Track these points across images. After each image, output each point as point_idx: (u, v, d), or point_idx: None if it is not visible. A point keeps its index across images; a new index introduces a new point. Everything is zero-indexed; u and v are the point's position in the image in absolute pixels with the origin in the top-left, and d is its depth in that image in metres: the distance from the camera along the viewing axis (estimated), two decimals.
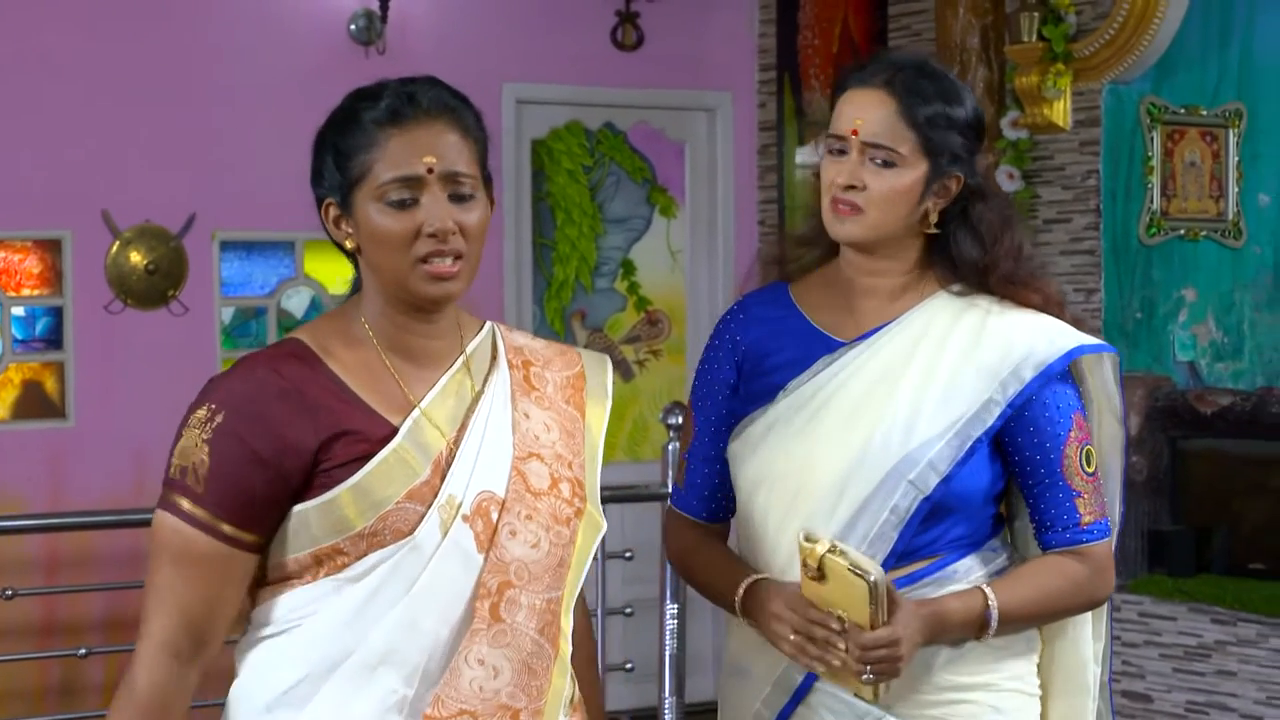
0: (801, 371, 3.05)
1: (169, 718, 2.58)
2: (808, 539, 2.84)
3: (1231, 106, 7.09)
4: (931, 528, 2.97)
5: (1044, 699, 3.11)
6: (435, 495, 2.59)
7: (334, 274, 7.42)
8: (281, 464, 2.56)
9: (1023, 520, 3.12)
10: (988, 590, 2.95)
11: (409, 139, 2.61)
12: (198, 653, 2.60)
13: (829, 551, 2.81)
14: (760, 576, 3.01)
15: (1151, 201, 6.87)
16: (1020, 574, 3.01)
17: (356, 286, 2.77)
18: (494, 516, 2.63)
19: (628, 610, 6.27)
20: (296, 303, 7.40)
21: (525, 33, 7.74)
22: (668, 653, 5.90)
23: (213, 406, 2.58)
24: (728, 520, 3.20)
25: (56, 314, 7.02)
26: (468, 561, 2.60)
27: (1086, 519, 3.01)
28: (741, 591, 3.02)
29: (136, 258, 7.06)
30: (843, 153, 2.98)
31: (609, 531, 5.69)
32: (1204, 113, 7.02)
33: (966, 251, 3.02)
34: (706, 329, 8.06)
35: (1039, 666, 3.10)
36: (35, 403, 6.99)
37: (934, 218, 3.01)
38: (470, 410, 2.69)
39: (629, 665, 6.21)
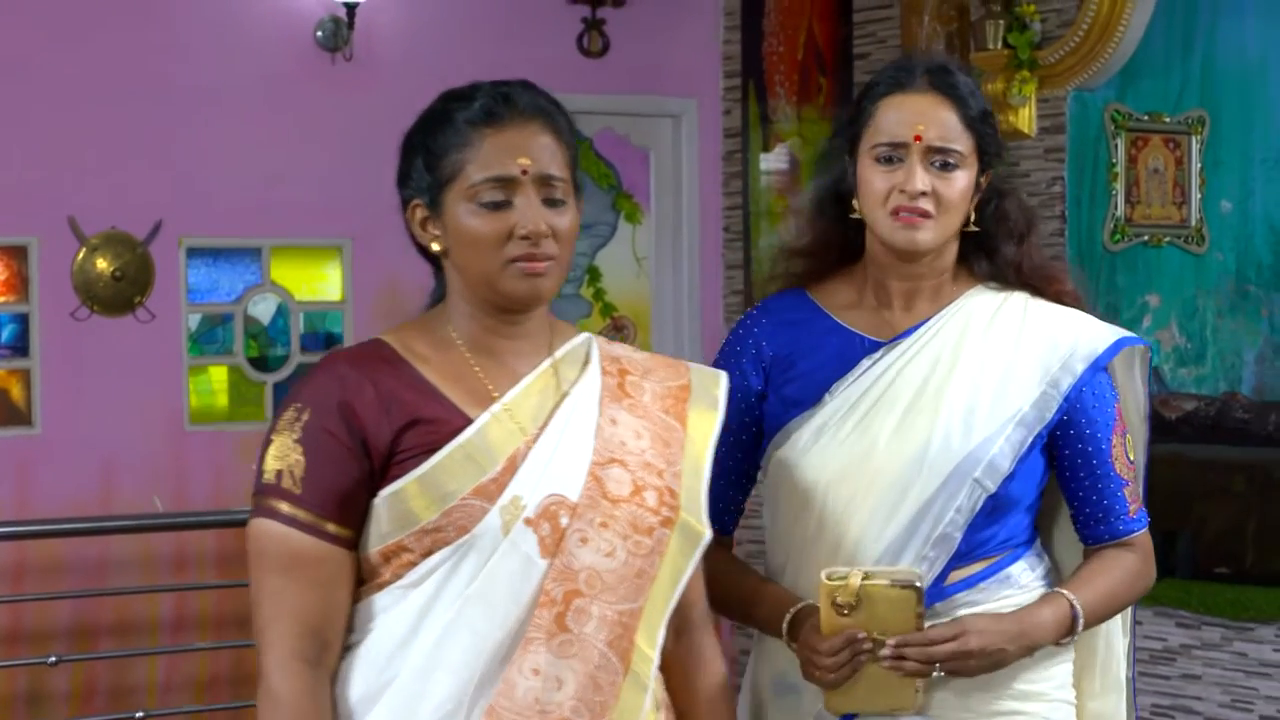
0: (842, 373, 3.02)
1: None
2: (832, 578, 2.81)
3: (1194, 113, 7.15)
4: (986, 528, 2.96)
5: (1078, 700, 3.11)
6: (501, 493, 2.54)
7: (301, 280, 7.43)
8: (365, 454, 2.54)
9: (1050, 520, 3.12)
10: (1070, 595, 2.95)
11: (503, 139, 2.60)
12: (324, 656, 2.55)
13: (864, 577, 2.80)
14: (806, 604, 2.94)
15: (1116, 208, 6.92)
16: (1088, 573, 3.01)
17: (438, 295, 2.74)
18: (563, 521, 2.57)
19: None
20: (263, 309, 7.39)
21: (491, 39, 7.74)
22: None
23: (299, 406, 2.57)
24: (733, 534, 3.17)
25: (23, 321, 6.99)
26: (529, 566, 2.54)
27: (1134, 507, 3.03)
28: (790, 617, 2.96)
29: (103, 264, 7.04)
30: (892, 160, 2.95)
31: None
32: (1167, 120, 7.08)
33: (1004, 246, 3.05)
34: (672, 335, 8.10)
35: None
36: (1, 410, 6.96)
37: (973, 215, 3.02)
38: (553, 411, 2.63)
39: None
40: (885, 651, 2.81)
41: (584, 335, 2.77)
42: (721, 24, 8.27)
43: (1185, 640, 6.31)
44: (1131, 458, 3.04)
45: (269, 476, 2.55)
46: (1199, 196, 7.15)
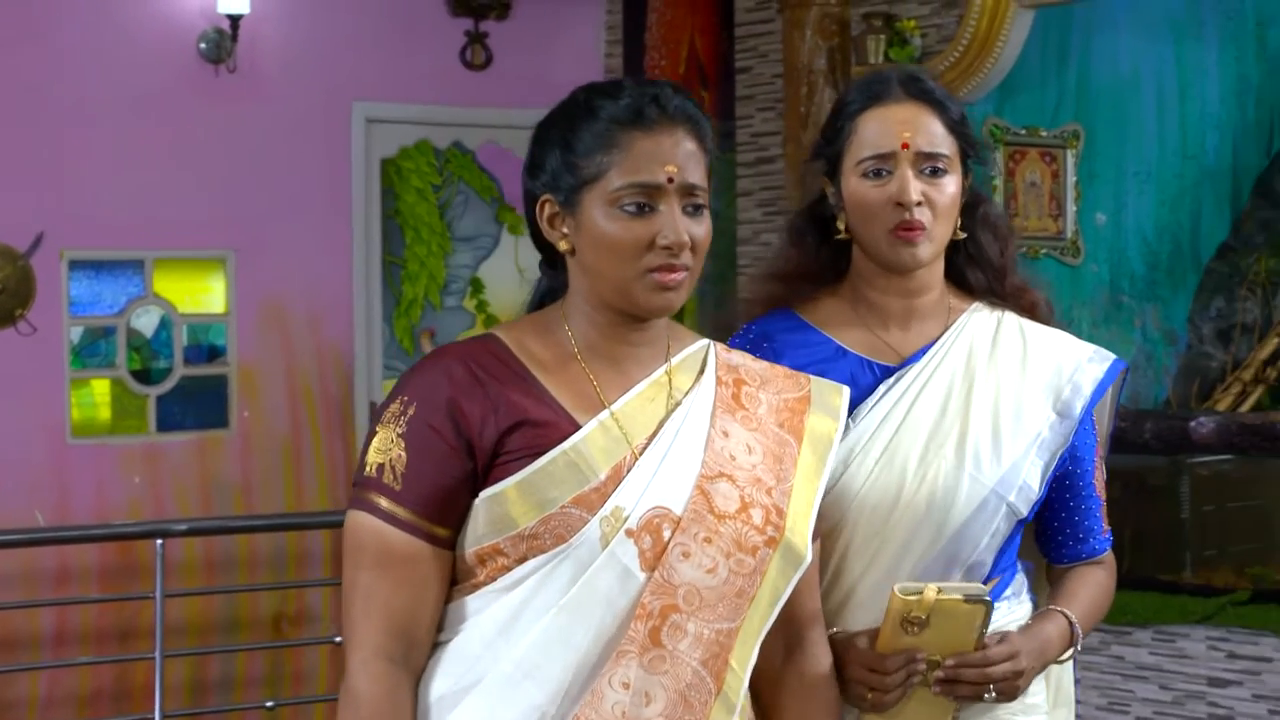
0: (857, 399, 2.86)
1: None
2: (906, 592, 2.69)
3: (1070, 128, 7.27)
4: (1006, 548, 2.91)
5: None
6: (604, 503, 2.45)
7: (184, 293, 7.40)
8: (469, 454, 2.46)
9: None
10: (1067, 612, 2.88)
11: (652, 143, 2.49)
12: (411, 655, 2.49)
13: (938, 592, 2.69)
14: (834, 631, 2.80)
15: None
16: (1073, 590, 2.95)
17: (544, 289, 2.66)
18: (666, 535, 2.47)
19: None
20: (146, 322, 7.35)
21: (375, 52, 7.75)
22: None
23: (405, 399, 2.50)
24: None
25: None
26: (627, 578, 2.44)
27: (1105, 527, 3.01)
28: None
29: None
30: (881, 174, 2.86)
31: None
32: (1044, 134, 7.19)
33: (989, 253, 2.98)
34: None
35: None
36: None
37: (959, 222, 2.93)
38: (663, 421, 2.54)
39: None
40: (939, 674, 2.72)
41: (702, 341, 2.68)
42: (604, 38, 8.32)
43: None
44: (1104, 478, 3.03)
45: (370, 470, 2.48)
46: (1074, 209, 7.28)
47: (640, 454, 2.50)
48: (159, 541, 6.38)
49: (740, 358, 2.71)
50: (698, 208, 2.53)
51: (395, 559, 2.46)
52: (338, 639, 6.68)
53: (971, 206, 2.95)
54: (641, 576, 2.45)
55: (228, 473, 7.48)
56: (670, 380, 2.60)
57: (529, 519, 2.44)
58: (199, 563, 7.35)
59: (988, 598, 2.70)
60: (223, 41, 7.33)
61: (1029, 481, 2.87)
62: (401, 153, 7.93)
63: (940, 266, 2.94)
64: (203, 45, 7.34)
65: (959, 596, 2.69)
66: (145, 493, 7.31)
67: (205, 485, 7.43)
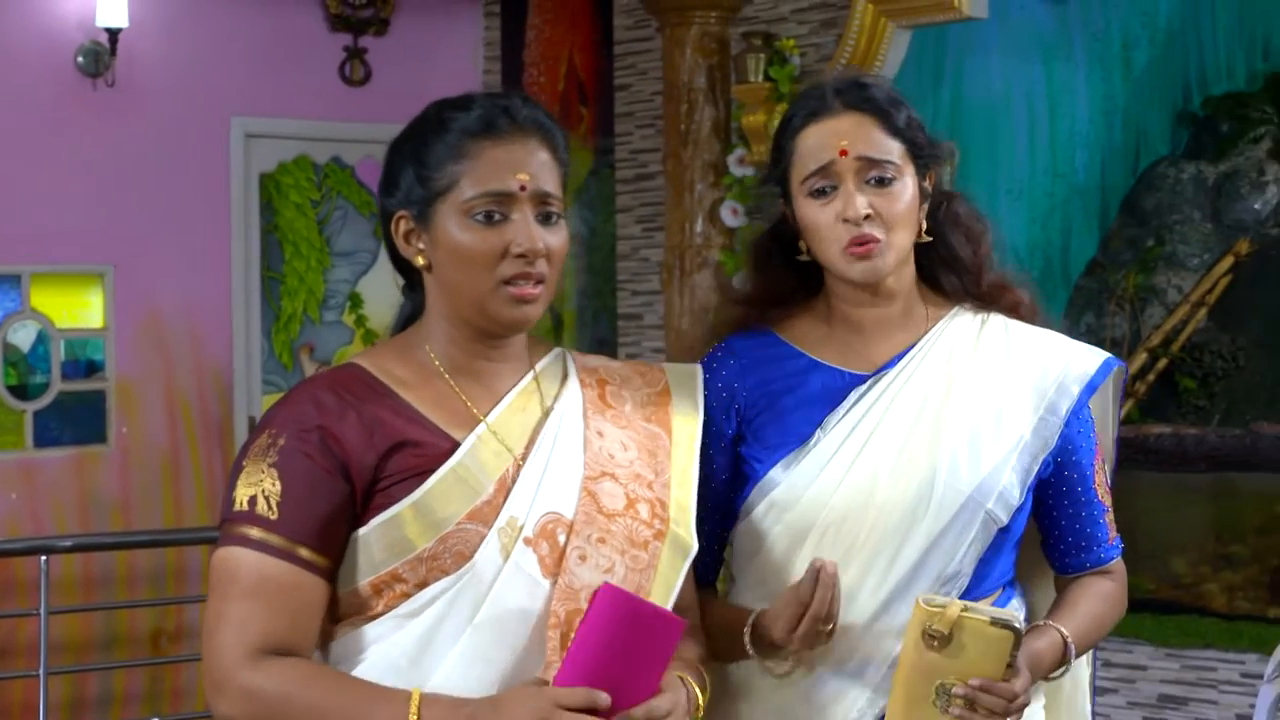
0: (830, 410, 2.80)
1: (310, 677, 2.36)
2: (930, 604, 2.57)
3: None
4: (994, 560, 2.80)
5: None
6: (497, 516, 2.43)
7: (61, 307, 7.35)
8: (346, 480, 2.40)
9: (1026, 551, 2.92)
10: (1060, 627, 2.78)
11: (503, 152, 2.47)
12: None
13: (963, 610, 2.56)
14: (762, 609, 2.73)
15: None
16: (1072, 604, 2.85)
17: (408, 313, 2.62)
18: (561, 540, 2.46)
19: None
20: (23, 337, 7.30)
21: (254, 67, 7.75)
22: None
23: (273, 432, 2.43)
24: (714, 583, 2.94)
25: None
26: (534, 587, 2.42)
27: (1112, 534, 2.90)
28: (753, 618, 2.74)
29: None
30: (826, 191, 2.76)
31: None
32: None
33: (961, 252, 2.87)
34: None
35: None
36: None
37: (924, 225, 2.83)
38: (539, 428, 2.53)
39: None
40: (959, 690, 2.56)
41: (557, 350, 2.66)
42: (482, 54, 8.36)
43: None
44: (1109, 483, 2.91)
45: (241, 504, 2.39)
46: None
47: (523, 463, 2.49)
48: (43, 558, 6.34)
49: (597, 360, 2.72)
50: (552, 216, 2.51)
51: (272, 587, 2.37)
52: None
53: (937, 207, 2.87)
54: (546, 584, 2.43)
55: (106, 489, 7.44)
56: (539, 388, 2.59)
57: (426, 540, 2.40)
58: (78, 579, 7.30)
59: (1019, 625, 2.57)
60: (101, 55, 7.29)
61: (1009, 487, 2.76)
62: (280, 168, 7.93)
63: (909, 272, 2.84)
64: (80, 59, 7.30)
65: (985, 618, 2.56)
66: (22, 509, 7.25)
67: (84, 501, 7.38)
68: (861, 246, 2.75)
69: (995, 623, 2.56)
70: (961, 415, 2.78)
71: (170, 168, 7.48)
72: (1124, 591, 2.93)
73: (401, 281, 2.66)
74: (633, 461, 2.59)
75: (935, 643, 2.56)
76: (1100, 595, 2.88)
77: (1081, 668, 2.98)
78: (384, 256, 8.14)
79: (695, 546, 2.59)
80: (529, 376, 2.59)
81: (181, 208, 7.51)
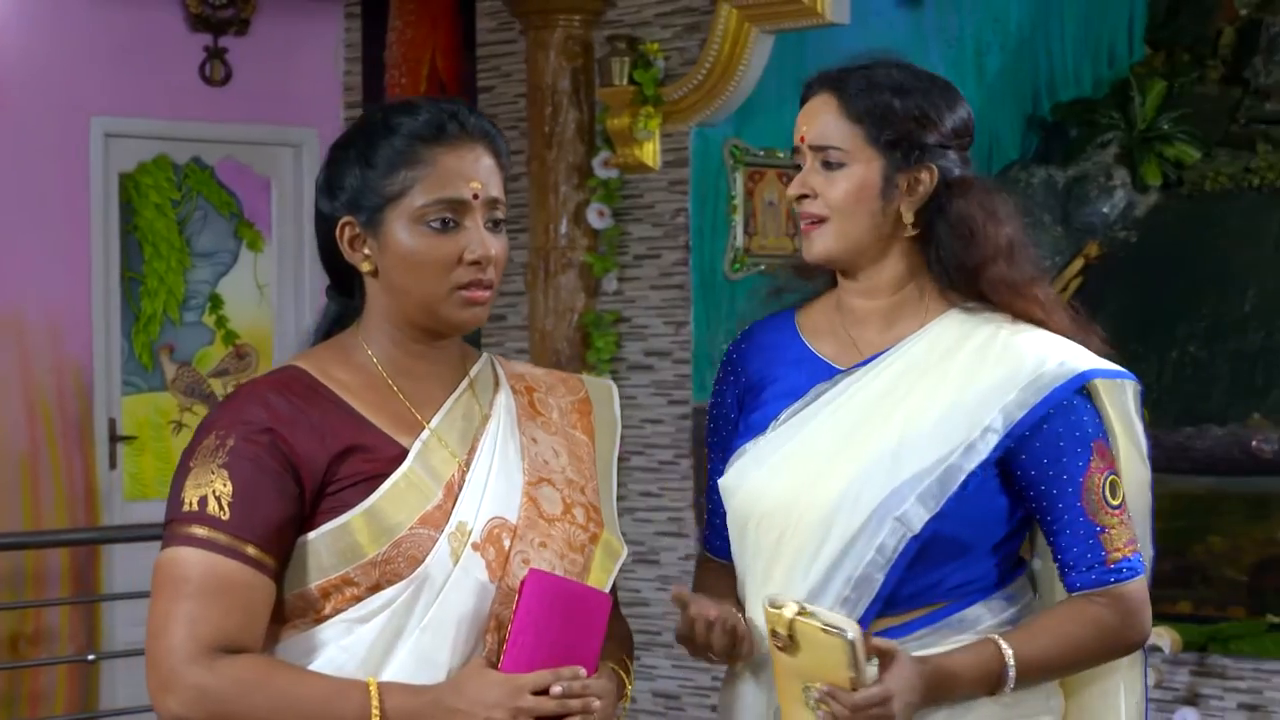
0: (796, 401, 2.80)
1: (267, 673, 2.37)
2: (773, 605, 2.55)
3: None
4: (928, 571, 2.71)
5: None
6: (447, 520, 2.45)
7: None
8: (296, 483, 2.41)
9: (1046, 562, 2.84)
10: (1002, 642, 2.67)
11: (456, 159, 2.47)
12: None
13: (798, 614, 2.52)
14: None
15: (735, 238, 7.20)
16: (1040, 621, 2.74)
17: (334, 315, 2.63)
18: (506, 544, 2.49)
19: None
20: None
21: (114, 66, 7.69)
22: None
23: (220, 433, 2.42)
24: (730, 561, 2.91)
25: None
26: (482, 591, 2.46)
27: (1114, 556, 2.71)
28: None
29: None
30: (800, 169, 2.80)
31: None
32: (780, 155, 7.37)
33: (949, 251, 2.76)
34: None
35: None
36: None
37: (909, 218, 2.75)
38: (479, 434, 2.55)
39: None
40: (814, 694, 2.55)
41: (485, 355, 2.68)
42: (342, 55, 8.35)
43: None
44: (1115, 502, 2.73)
45: (190, 505, 2.39)
46: None
47: (467, 468, 2.51)
48: None
49: (522, 366, 2.75)
50: (497, 223, 2.54)
51: (225, 586, 2.37)
52: (91, 657, 6.67)
53: (938, 200, 2.77)
54: (493, 587, 2.47)
55: None
56: (475, 393, 2.61)
57: (379, 545, 2.42)
58: None
59: (849, 636, 2.49)
60: None
61: (924, 498, 2.69)
62: (140, 168, 7.88)
63: (893, 266, 2.78)
64: None
65: (817, 624, 2.51)
66: None
67: None
68: (805, 225, 2.79)
69: (827, 629, 2.50)
70: (902, 422, 2.73)
71: (29, 167, 7.40)
72: (1126, 619, 2.73)
73: (327, 283, 2.67)
74: (565, 468, 2.63)
75: (780, 645, 2.57)
76: (1082, 618, 2.73)
77: (1116, 694, 2.85)
78: (244, 257, 8.17)
79: (624, 552, 2.65)
80: (465, 382, 2.60)
81: (40, 208, 7.44)
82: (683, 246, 7.10)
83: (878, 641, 2.62)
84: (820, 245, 2.77)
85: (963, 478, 2.69)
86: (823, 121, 2.78)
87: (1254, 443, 5.77)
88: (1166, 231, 8.16)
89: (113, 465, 7.71)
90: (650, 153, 7.10)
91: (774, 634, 2.56)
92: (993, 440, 2.70)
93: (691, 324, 7.09)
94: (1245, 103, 8.35)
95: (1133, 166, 8.38)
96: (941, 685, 2.64)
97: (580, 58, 7.25)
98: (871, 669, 2.57)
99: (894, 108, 2.75)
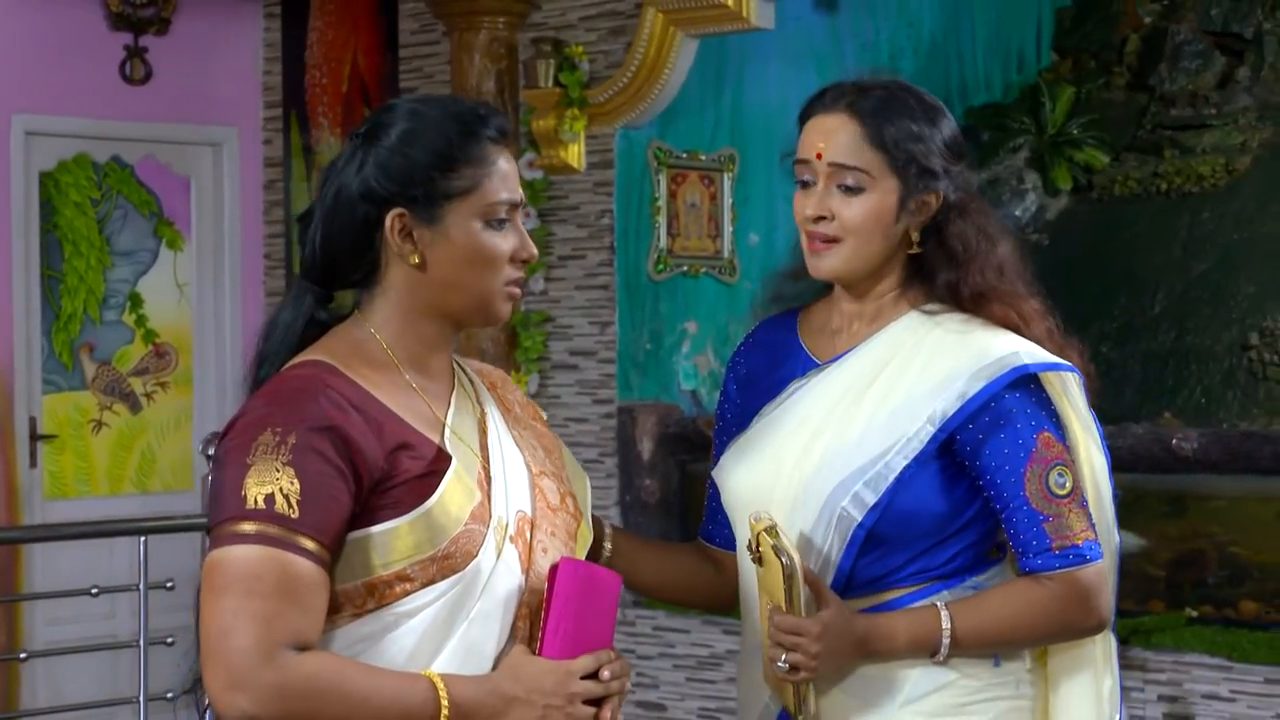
0: (779, 394, 2.92)
1: (338, 670, 2.38)
2: (755, 518, 2.72)
3: (726, 152, 7.56)
4: (884, 558, 2.83)
5: None
6: (489, 516, 2.51)
7: None
8: (355, 480, 2.42)
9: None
10: (943, 610, 2.79)
11: (508, 163, 2.57)
12: None
13: (765, 530, 2.68)
14: None
15: (659, 240, 7.29)
16: (987, 595, 2.83)
17: (313, 308, 2.60)
18: (528, 536, 2.57)
19: (169, 640, 6.29)
20: None
21: (34, 65, 7.68)
22: None
23: (279, 429, 2.39)
24: None
25: None
26: (517, 582, 2.53)
27: (1058, 544, 2.79)
28: None
29: None
30: (809, 184, 2.84)
31: (155, 562, 5.74)
32: (703, 157, 7.47)
33: (940, 269, 2.86)
34: (214, 361, 8.16)
35: (1047, 713, 2.93)
36: None
37: (915, 236, 2.85)
38: (484, 430, 2.61)
39: (170, 694, 6.24)
40: (768, 608, 2.72)
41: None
42: (262, 55, 8.37)
43: (731, 646, 6.63)
44: (1062, 491, 2.80)
45: (255, 502, 2.36)
46: (731, 230, 7.56)
47: (488, 464, 2.57)
48: None
49: (477, 364, 2.79)
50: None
51: (298, 585, 2.36)
52: (24, 655, 6.64)
53: (940, 222, 2.87)
54: (522, 578, 2.54)
55: None
56: (464, 388, 2.65)
57: (438, 543, 2.45)
58: None
59: (785, 560, 2.66)
60: None
61: (867, 489, 2.80)
62: (60, 166, 7.86)
63: (892, 276, 2.88)
64: None
65: (770, 542, 2.67)
66: None
67: None
68: (815, 243, 2.84)
69: (775, 548, 2.66)
70: (864, 415, 2.83)
71: None
72: (1073, 603, 2.80)
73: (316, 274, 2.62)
74: (545, 459, 2.70)
75: (753, 557, 2.71)
76: (1025, 599, 2.81)
77: (1094, 680, 2.92)
78: (164, 256, 8.16)
79: (590, 539, 2.75)
80: (456, 378, 2.65)
81: None
82: (607, 247, 7.18)
83: (814, 580, 2.74)
84: (830, 265, 2.85)
85: (899, 470, 2.79)
86: (843, 142, 2.83)
87: (1174, 441, 5.89)
88: (1077, 234, 8.32)
89: (33, 464, 7.70)
90: (575, 154, 7.17)
91: (747, 546, 2.72)
92: (929, 432, 2.80)
93: (616, 324, 7.17)
94: (1151, 109, 8.52)
95: (1044, 170, 8.53)
96: (876, 640, 2.76)
97: (505, 60, 7.30)
98: (813, 606, 2.72)
99: (912, 134, 2.83)
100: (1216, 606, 5.90)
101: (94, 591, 6.01)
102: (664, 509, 7.08)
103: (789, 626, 2.68)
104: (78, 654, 6.79)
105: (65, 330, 7.88)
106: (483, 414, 2.64)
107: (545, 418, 2.84)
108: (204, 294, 8.28)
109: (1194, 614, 5.90)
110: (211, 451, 5.47)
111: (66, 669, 7.32)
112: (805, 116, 2.89)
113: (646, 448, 6.99)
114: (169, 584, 6.19)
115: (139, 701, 5.96)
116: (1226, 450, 5.91)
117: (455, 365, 2.67)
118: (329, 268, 2.59)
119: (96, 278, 7.97)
